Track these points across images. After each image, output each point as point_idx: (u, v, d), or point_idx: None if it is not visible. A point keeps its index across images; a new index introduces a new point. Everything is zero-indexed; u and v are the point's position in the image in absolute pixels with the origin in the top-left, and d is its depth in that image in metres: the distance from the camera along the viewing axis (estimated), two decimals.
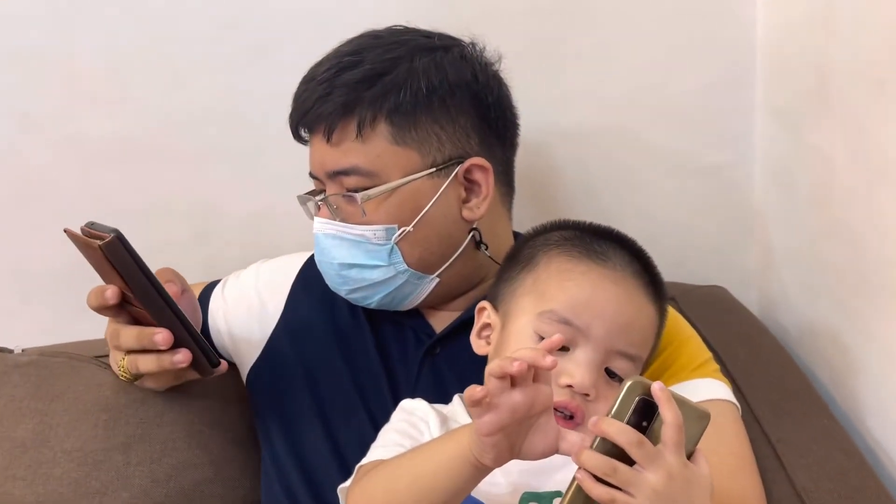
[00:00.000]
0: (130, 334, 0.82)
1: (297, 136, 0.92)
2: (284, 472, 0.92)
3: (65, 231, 0.79)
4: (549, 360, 0.62)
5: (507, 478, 0.73)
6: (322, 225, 0.89)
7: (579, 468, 0.61)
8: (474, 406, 0.62)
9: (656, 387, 0.61)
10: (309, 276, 1.00)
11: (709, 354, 0.88)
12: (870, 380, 0.93)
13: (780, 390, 0.93)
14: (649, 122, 1.19)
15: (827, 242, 1.01)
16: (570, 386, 0.73)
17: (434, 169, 0.87)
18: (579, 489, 0.61)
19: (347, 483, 0.76)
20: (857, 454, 0.85)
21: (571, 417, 0.73)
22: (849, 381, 0.97)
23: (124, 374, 0.87)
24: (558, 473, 0.73)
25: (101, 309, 0.82)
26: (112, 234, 0.74)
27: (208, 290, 1.04)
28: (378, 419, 0.85)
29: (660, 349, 0.83)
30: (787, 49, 1.07)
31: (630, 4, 1.14)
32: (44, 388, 1.01)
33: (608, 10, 1.14)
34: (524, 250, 0.81)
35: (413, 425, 0.78)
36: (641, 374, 0.79)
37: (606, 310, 0.74)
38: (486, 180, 0.89)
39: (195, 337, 0.81)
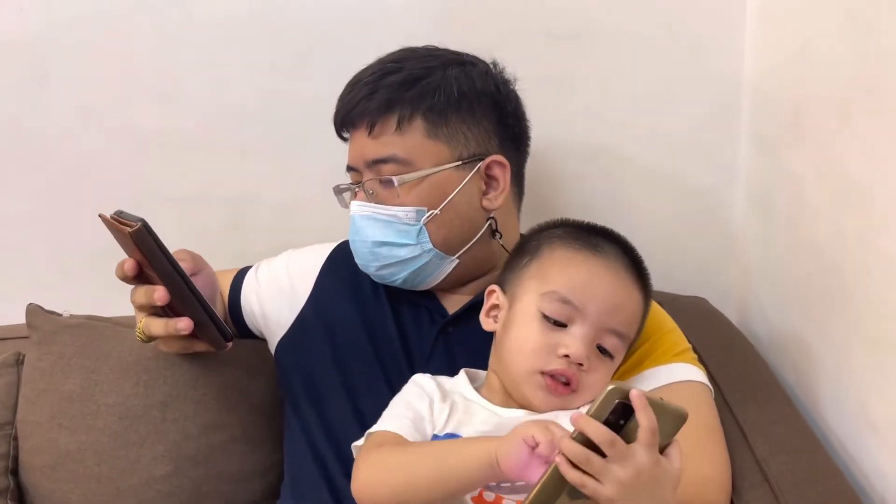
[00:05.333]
0: (140, 291, 0.91)
1: (340, 134, 1.04)
2: (311, 435, 1.00)
3: (99, 216, 0.89)
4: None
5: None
6: (359, 207, 1.00)
7: (559, 453, 0.69)
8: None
9: (634, 394, 0.69)
10: (337, 261, 1.10)
11: (688, 345, 0.99)
12: (827, 378, 1.05)
13: (749, 382, 1.05)
14: (644, 145, 1.29)
15: (795, 257, 1.13)
16: (566, 356, 0.84)
17: (460, 162, 0.98)
18: (556, 471, 0.69)
19: (360, 442, 0.86)
20: (811, 436, 0.96)
21: (567, 384, 0.85)
22: (810, 379, 1.09)
23: (140, 335, 0.96)
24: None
25: (123, 279, 0.92)
26: (139, 223, 0.83)
27: (242, 273, 1.15)
28: (396, 388, 0.93)
29: (645, 337, 0.94)
30: (770, 83, 1.20)
31: (632, 37, 1.26)
32: (91, 348, 1.10)
33: (612, 41, 1.26)
34: (530, 242, 0.93)
35: (419, 398, 0.87)
36: (628, 357, 0.91)
37: (601, 292, 0.85)
38: (504, 176, 1.01)
39: (209, 313, 0.90)
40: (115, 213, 0.88)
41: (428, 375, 0.92)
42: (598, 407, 0.70)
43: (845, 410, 0.99)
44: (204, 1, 1.23)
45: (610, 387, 0.70)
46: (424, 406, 0.86)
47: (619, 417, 0.70)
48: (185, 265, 0.93)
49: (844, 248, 0.98)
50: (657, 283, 1.33)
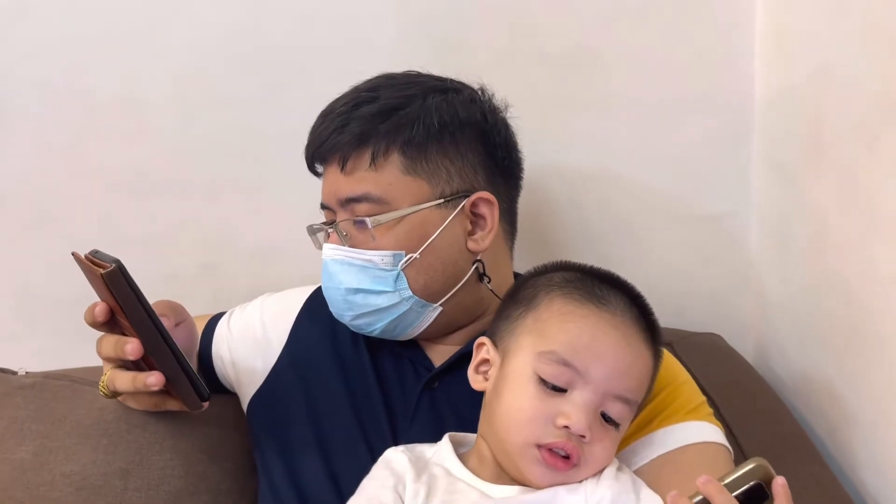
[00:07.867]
0: (109, 341, 0.83)
1: (312, 168, 0.96)
2: (282, 501, 0.92)
3: (72, 254, 0.82)
4: None
5: None
6: (331, 251, 0.92)
7: None
8: None
9: (779, 482, 0.66)
10: (313, 307, 1.02)
11: (703, 398, 0.90)
12: (862, 431, 0.94)
13: (772, 437, 0.95)
14: (649, 171, 1.22)
15: (820, 293, 1.04)
16: (566, 427, 0.74)
17: (442, 200, 0.90)
18: None
19: None
20: (846, 500, 0.86)
21: (567, 458, 0.74)
22: (842, 431, 0.99)
23: (103, 389, 0.88)
24: None
25: (93, 325, 0.84)
26: (114, 265, 0.76)
27: (214, 321, 1.07)
28: (376, 451, 0.85)
29: (655, 391, 0.85)
30: (784, 106, 1.12)
31: (634, 57, 1.18)
32: (45, 411, 1.02)
33: (613, 61, 1.18)
34: (525, 289, 0.83)
35: (384, 484, 0.78)
36: (636, 412, 0.81)
37: (606, 354, 0.76)
38: (492, 214, 0.92)
39: (186, 369, 0.82)
40: (89, 253, 0.81)
41: (401, 449, 0.82)
42: (736, 480, 0.66)
43: (885, 472, 0.89)
44: (169, 31, 1.16)
45: (755, 463, 0.67)
46: (388, 494, 0.77)
47: (749, 497, 0.66)
48: (165, 321, 0.84)
49: (876, 287, 0.89)
50: (667, 319, 1.24)
